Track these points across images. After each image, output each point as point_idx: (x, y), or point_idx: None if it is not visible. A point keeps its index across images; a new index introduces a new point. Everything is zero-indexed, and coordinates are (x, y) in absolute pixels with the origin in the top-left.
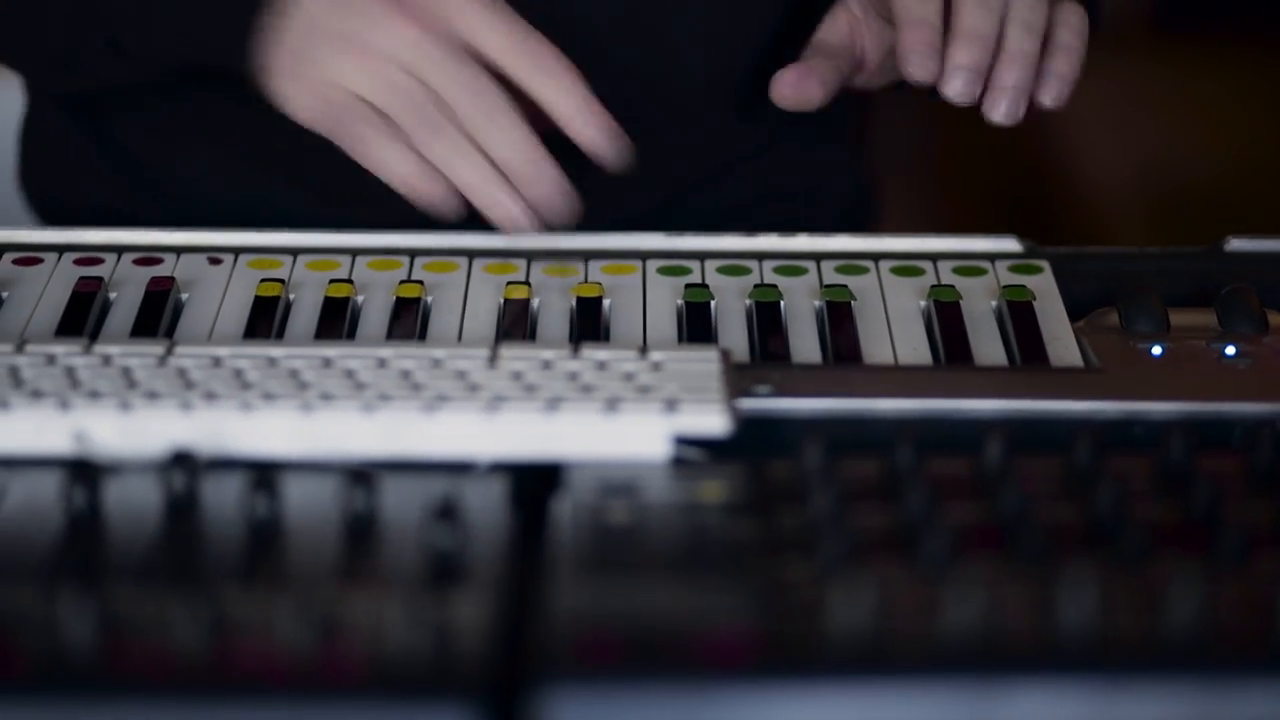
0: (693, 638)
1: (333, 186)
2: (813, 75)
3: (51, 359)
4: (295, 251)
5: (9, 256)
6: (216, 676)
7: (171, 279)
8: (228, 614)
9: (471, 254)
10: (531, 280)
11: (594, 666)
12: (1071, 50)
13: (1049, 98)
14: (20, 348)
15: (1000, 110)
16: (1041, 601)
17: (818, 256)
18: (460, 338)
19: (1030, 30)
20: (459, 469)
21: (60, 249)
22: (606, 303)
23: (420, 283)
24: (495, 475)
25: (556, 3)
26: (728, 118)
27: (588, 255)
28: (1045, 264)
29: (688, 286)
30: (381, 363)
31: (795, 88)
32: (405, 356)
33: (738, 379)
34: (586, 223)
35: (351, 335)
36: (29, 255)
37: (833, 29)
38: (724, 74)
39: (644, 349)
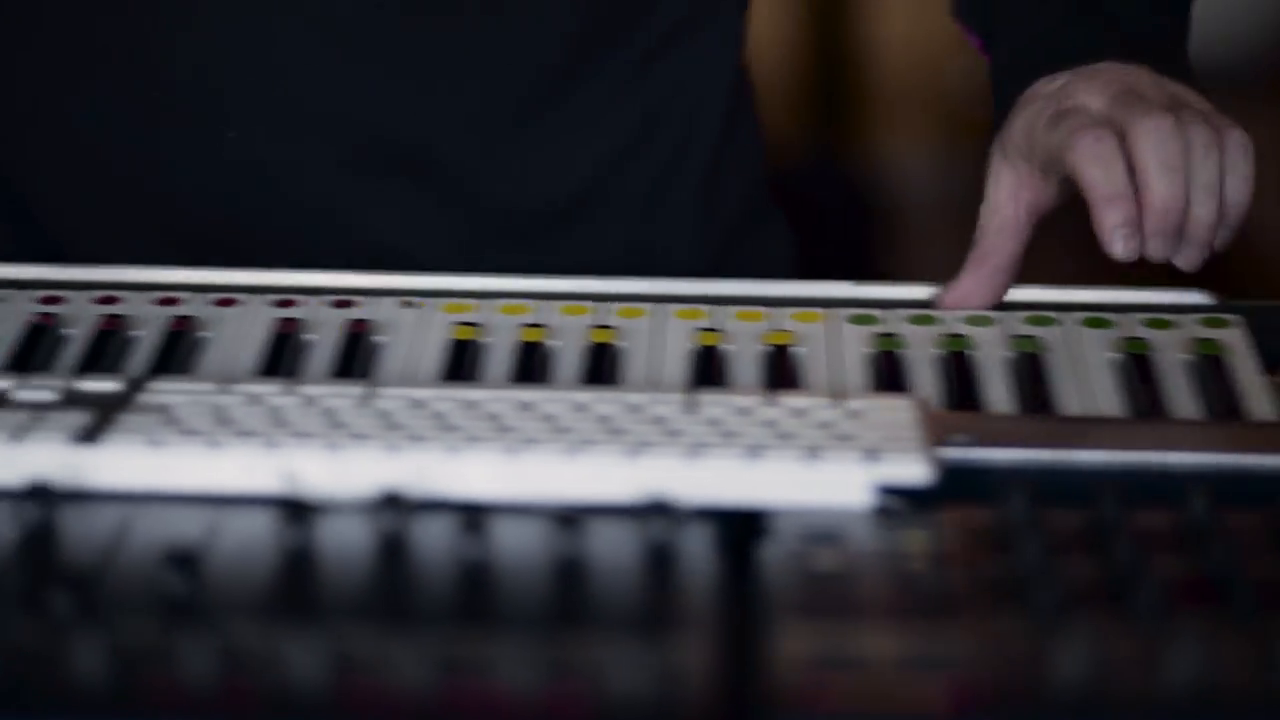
0: (909, 686)
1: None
2: (974, 295)
3: (256, 399)
4: (488, 295)
5: (210, 296)
6: (443, 716)
7: (367, 322)
8: (450, 655)
9: (661, 299)
10: (724, 327)
11: (815, 712)
12: (1241, 205)
13: (1219, 245)
14: (225, 388)
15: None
16: (1259, 656)
17: (1005, 306)
18: (653, 384)
19: (1212, 194)
20: (659, 513)
21: (256, 290)
22: (797, 350)
23: (612, 328)
24: (700, 521)
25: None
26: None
27: (776, 303)
28: (1236, 317)
29: (877, 335)
30: (580, 407)
31: (956, 305)
32: (603, 401)
33: (935, 428)
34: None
35: (545, 379)
36: (227, 296)
37: (997, 205)
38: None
39: (840, 397)
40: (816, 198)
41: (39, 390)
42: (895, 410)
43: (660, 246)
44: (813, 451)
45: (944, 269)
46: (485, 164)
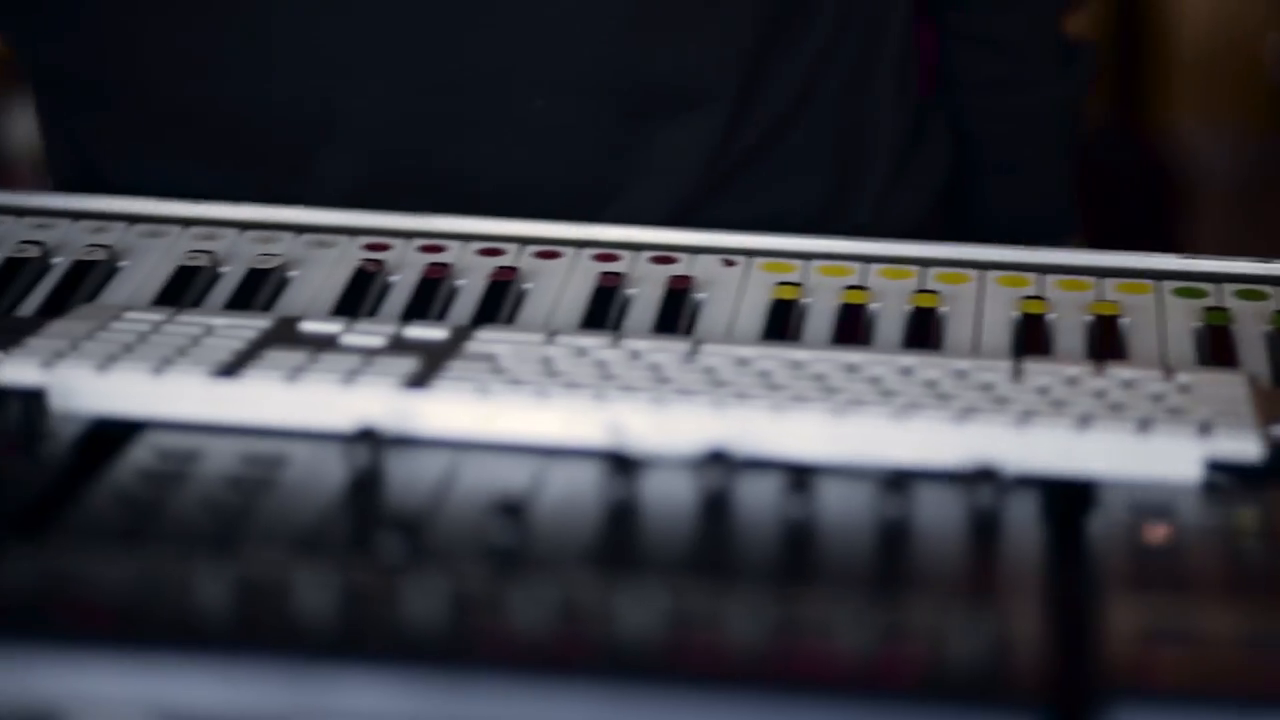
0: (1246, 664)
1: None
2: None
3: (582, 351)
4: (807, 256)
5: (532, 249)
6: (776, 674)
7: (689, 278)
8: (776, 613)
9: (986, 266)
10: (1047, 295)
11: (1158, 687)
12: None
13: None
14: (550, 339)
15: None
16: None
17: None
18: (975, 350)
19: None
20: (987, 480)
21: (578, 244)
22: (1124, 321)
23: (935, 293)
24: (1026, 489)
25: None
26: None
27: (1101, 272)
28: None
29: (1205, 309)
30: (906, 371)
31: None
32: (929, 366)
33: (1265, 405)
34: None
35: (864, 342)
36: (549, 249)
37: None
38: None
39: (1170, 370)
40: (1113, 170)
41: (367, 335)
42: (1226, 385)
43: (865, 140)
44: (1144, 424)
45: (1246, 249)
46: (715, 103)
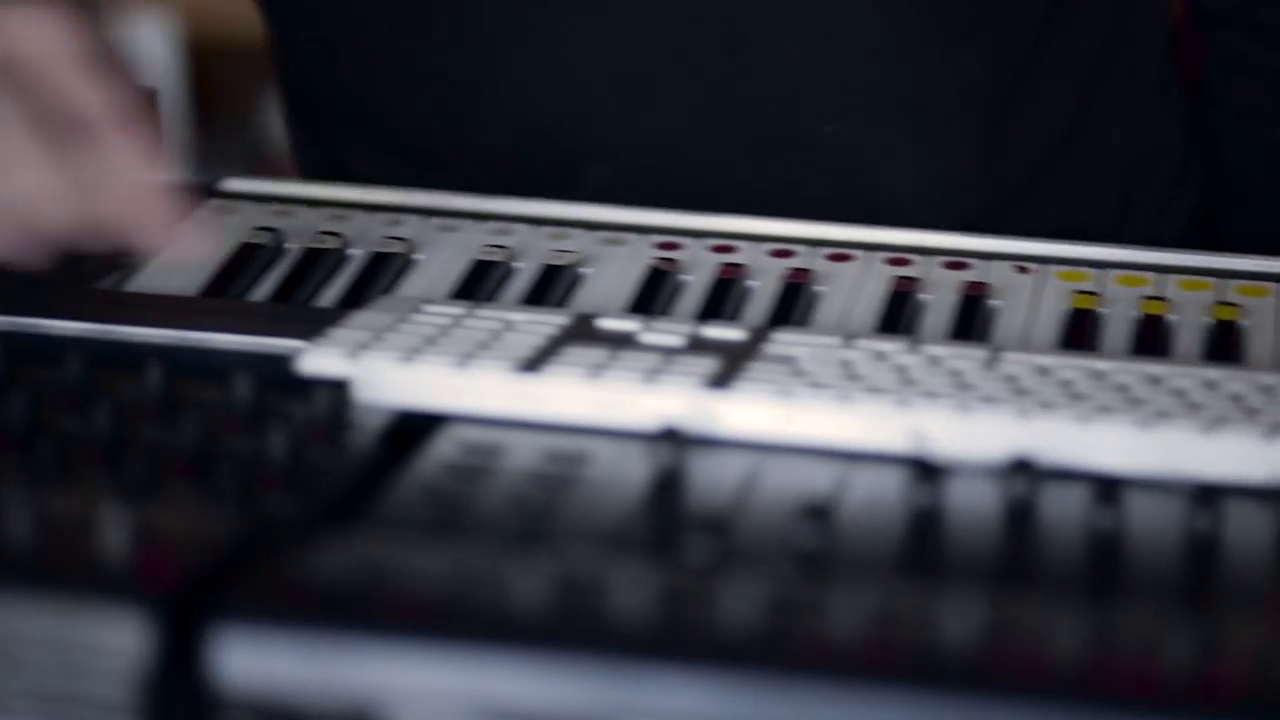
0: None
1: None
2: None
3: (881, 355)
4: (1104, 264)
5: (824, 251)
6: (1092, 686)
7: (984, 284)
8: (1098, 625)
9: None
10: None
11: None
12: None
13: None
14: (848, 342)
15: None
16: None
17: None
18: (1277, 366)
19: None
20: None
21: (871, 247)
22: None
23: (1235, 305)
24: None
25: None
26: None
27: None
28: None
29: None
30: (1210, 384)
31: None
32: (1235, 380)
33: None
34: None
35: (1164, 353)
36: (840, 251)
37: None
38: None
39: None
40: None
41: (666, 335)
42: None
43: (1138, 163)
44: None
45: None
46: (983, 122)
